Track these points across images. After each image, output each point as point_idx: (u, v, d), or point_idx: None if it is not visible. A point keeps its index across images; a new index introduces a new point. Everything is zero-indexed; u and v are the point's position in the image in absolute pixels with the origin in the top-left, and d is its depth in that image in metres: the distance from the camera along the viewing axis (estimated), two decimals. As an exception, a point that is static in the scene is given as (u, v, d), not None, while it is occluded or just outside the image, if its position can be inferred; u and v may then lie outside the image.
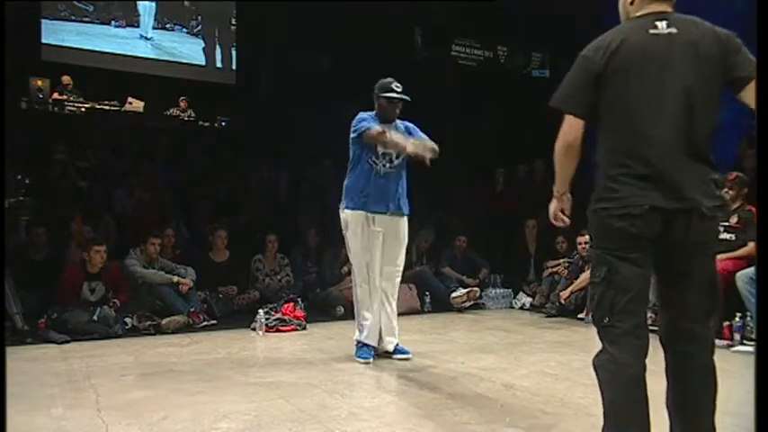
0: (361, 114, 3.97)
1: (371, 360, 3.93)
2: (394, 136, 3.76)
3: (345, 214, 4.00)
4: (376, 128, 3.77)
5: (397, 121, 4.04)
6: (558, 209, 2.29)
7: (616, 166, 2.02)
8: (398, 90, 3.93)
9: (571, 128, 2.10)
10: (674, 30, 2.00)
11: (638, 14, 2.09)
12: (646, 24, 2.03)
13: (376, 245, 3.94)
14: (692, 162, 1.97)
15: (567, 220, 2.29)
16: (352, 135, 3.95)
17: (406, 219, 4.08)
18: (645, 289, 2.04)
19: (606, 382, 2.06)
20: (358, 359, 3.95)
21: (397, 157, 3.94)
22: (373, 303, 3.99)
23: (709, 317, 2.07)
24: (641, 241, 1.97)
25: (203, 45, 10.90)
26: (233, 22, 11.06)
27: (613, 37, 2.04)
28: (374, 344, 4.03)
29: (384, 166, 3.94)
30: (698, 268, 2.02)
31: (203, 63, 10.90)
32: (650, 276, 2.06)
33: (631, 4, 2.12)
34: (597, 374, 2.10)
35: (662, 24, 2.01)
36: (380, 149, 3.91)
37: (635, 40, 2.01)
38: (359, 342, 4.04)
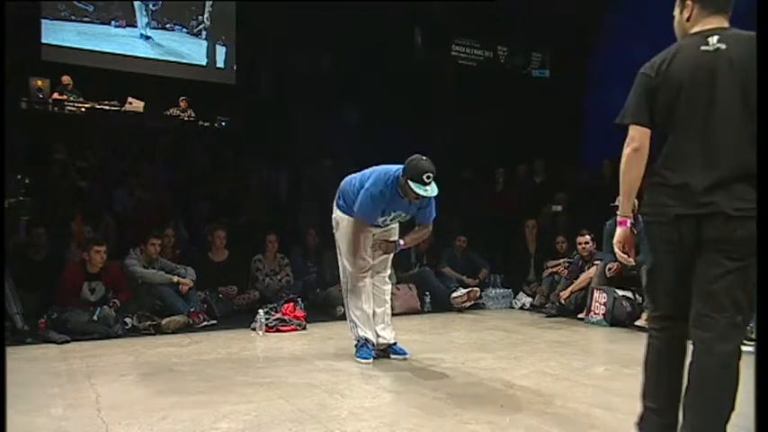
0: (379, 186, 3.76)
1: (371, 360, 3.93)
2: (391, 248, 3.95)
3: (339, 215, 4.00)
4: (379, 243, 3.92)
5: None
6: (625, 241, 2.32)
7: (656, 176, 2.18)
8: (427, 183, 3.65)
9: (636, 135, 2.17)
10: (722, 45, 2.08)
11: (693, 31, 2.16)
12: (698, 41, 2.12)
13: (368, 243, 3.95)
14: (724, 171, 2.05)
15: (632, 260, 2.34)
16: (359, 199, 3.81)
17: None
18: (681, 282, 2.18)
19: (649, 345, 2.27)
20: (359, 359, 3.95)
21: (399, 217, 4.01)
22: (365, 300, 3.98)
23: (727, 311, 2.06)
24: (673, 244, 2.14)
25: (206, 44, 10.90)
26: (233, 22, 11.07)
27: (667, 54, 2.16)
28: (371, 337, 4.01)
29: (383, 224, 4.00)
30: (722, 264, 2.06)
31: (204, 63, 10.89)
32: (687, 271, 2.15)
33: (688, 20, 2.19)
34: (647, 348, 2.28)
35: (713, 40, 2.09)
36: (383, 219, 3.93)
37: (686, 57, 2.12)
38: (358, 341, 4.03)
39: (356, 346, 4.05)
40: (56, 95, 9.12)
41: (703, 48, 2.09)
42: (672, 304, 2.21)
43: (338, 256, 4.10)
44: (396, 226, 4.11)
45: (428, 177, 3.63)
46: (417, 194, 3.65)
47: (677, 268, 2.16)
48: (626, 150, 2.18)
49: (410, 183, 3.64)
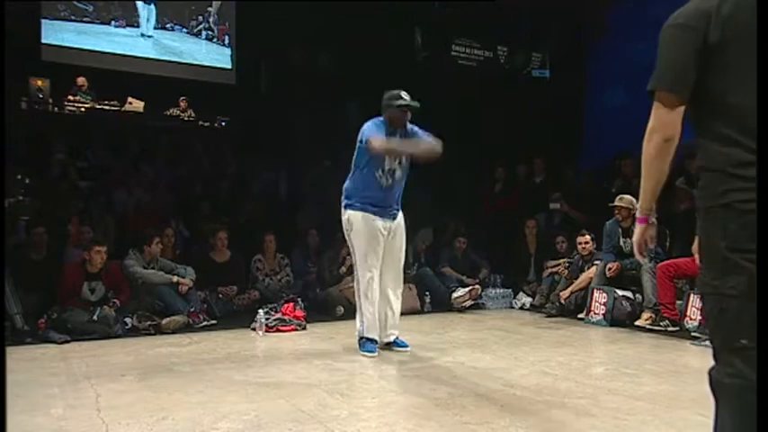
0: (369, 124, 4.03)
1: (377, 353, 4.03)
2: (396, 144, 3.94)
3: (348, 214, 4.09)
4: (378, 139, 3.89)
5: (408, 125, 4.17)
6: (644, 238, 1.92)
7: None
8: (407, 98, 4.04)
9: (669, 116, 1.67)
10: None
11: None
12: None
13: (379, 241, 4.06)
14: None
15: (650, 248, 1.97)
16: (359, 144, 4.03)
17: (401, 213, 4.22)
18: None
19: (735, 396, 1.60)
20: (365, 353, 4.05)
21: (399, 169, 4.08)
22: (375, 298, 4.08)
23: None
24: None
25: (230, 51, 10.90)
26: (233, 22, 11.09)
27: None
28: (376, 337, 4.13)
29: (387, 180, 4.06)
30: None
31: (229, 67, 10.88)
32: None
33: None
34: (718, 390, 1.66)
35: None
36: (386, 164, 4.01)
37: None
38: (362, 337, 4.13)
39: (360, 341, 4.14)
40: (70, 97, 9.11)
41: None
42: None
43: (352, 257, 4.19)
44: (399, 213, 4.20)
45: (405, 95, 4.01)
46: (400, 106, 3.98)
47: None
48: (658, 137, 1.70)
49: (393, 103, 4.00)
